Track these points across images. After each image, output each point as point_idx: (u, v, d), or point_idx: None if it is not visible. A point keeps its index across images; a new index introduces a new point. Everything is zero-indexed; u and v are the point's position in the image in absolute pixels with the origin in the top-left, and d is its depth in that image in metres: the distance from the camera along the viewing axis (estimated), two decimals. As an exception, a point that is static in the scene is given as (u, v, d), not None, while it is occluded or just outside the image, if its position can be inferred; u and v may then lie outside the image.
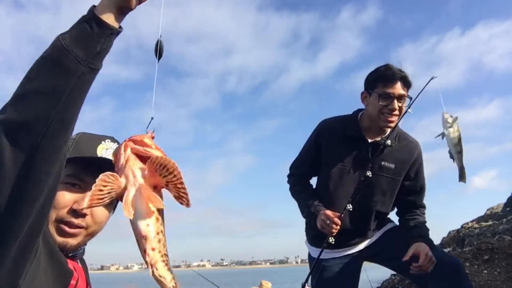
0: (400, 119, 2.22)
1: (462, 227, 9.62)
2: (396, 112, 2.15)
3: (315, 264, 2.24)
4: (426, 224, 2.28)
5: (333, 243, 2.10)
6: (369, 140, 2.24)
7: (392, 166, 2.21)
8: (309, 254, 2.42)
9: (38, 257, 0.91)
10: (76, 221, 1.06)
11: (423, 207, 2.35)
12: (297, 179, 2.42)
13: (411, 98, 2.18)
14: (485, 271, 5.59)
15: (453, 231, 9.51)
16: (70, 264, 1.06)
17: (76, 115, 0.83)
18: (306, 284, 2.23)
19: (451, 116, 2.07)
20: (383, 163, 2.21)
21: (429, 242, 2.17)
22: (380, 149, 2.19)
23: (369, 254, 2.31)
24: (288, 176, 2.46)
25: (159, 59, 0.96)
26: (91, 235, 1.13)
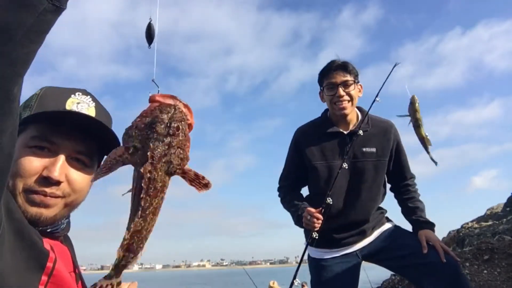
0: (370, 108, 2.32)
1: (462, 227, 9.61)
2: (346, 98, 2.24)
3: (299, 263, 2.28)
4: (420, 198, 2.41)
5: (316, 237, 2.15)
6: (345, 132, 2.30)
7: (374, 149, 2.27)
8: (309, 255, 2.44)
9: (1, 236, 0.77)
10: (49, 190, 0.90)
11: (413, 177, 2.45)
12: (286, 190, 2.46)
13: (354, 81, 2.27)
14: (485, 271, 5.59)
15: (453, 231, 9.50)
16: (47, 243, 0.89)
17: (30, 60, 0.68)
18: (306, 284, 2.24)
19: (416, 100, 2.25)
20: (364, 149, 2.27)
21: (433, 227, 2.27)
22: (355, 138, 2.26)
23: (368, 253, 2.32)
24: (278, 189, 2.50)
25: (150, 43, 0.93)
26: (70, 205, 0.96)
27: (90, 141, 0.96)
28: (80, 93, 1.01)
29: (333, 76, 2.25)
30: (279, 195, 2.48)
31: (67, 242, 1.04)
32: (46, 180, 0.89)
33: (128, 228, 0.84)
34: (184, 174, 0.86)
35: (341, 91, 2.22)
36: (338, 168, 2.20)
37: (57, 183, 0.90)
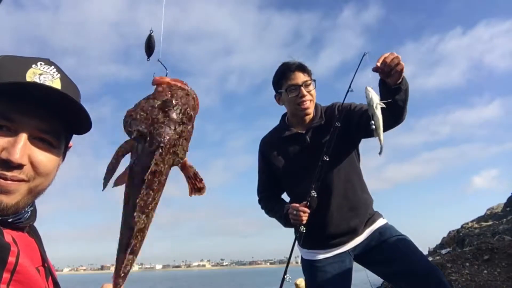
0: (344, 99, 2.30)
1: (462, 227, 9.62)
2: (308, 97, 2.27)
3: (289, 259, 2.29)
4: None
5: (304, 231, 2.15)
6: (303, 132, 2.33)
7: (330, 135, 2.25)
8: (301, 257, 2.45)
9: None
10: (10, 174, 0.79)
11: None
12: (266, 201, 2.48)
13: (314, 80, 2.30)
14: (485, 271, 5.59)
15: (453, 231, 9.51)
16: (9, 235, 0.79)
17: None
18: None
19: (371, 89, 1.98)
20: (323, 140, 2.26)
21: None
22: (311, 134, 2.30)
23: (360, 253, 2.31)
24: (258, 202, 2.52)
25: (149, 56, 0.90)
26: (35, 191, 0.85)
27: (56, 118, 0.85)
28: (43, 63, 0.87)
29: (293, 77, 2.26)
30: (262, 208, 2.51)
31: (34, 233, 0.94)
32: (6, 163, 0.78)
33: (128, 227, 0.75)
34: (184, 169, 0.81)
35: (304, 91, 2.25)
36: (319, 165, 2.19)
37: (19, 166, 0.79)
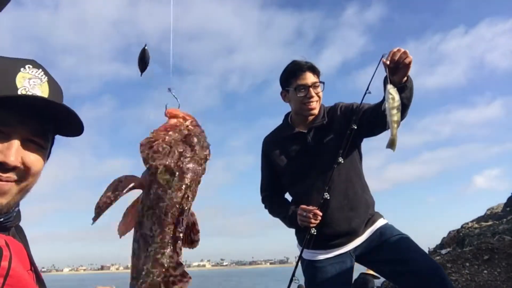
0: (363, 100, 2.28)
1: (462, 227, 9.61)
2: (315, 98, 2.29)
3: (297, 261, 2.28)
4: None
5: (314, 233, 2.14)
6: (305, 131, 2.35)
7: (332, 135, 2.28)
8: (302, 257, 2.44)
9: None
10: (4, 175, 0.83)
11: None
12: (269, 199, 2.49)
13: (323, 83, 2.32)
14: (485, 271, 5.59)
15: (453, 231, 9.51)
16: (1, 239, 0.81)
17: None
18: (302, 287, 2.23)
19: (393, 87, 2.01)
20: (324, 140, 2.29)
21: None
22: (313, 133, 2.31)
23: (360, 253, 2.30)
24: (262, 201, 2.53)
25: (143, 71, 0.89)
26: (24, 190, 0.89)
27: (46, 122, 0.89)
28: (31, 66, 0.89)
29: (304, 77, 2.27)
30: (265, 207, 2.51)
31: (20, 233, 0.96)
32: (1, 166, 0.82)
33: (160, 264, 0.71)
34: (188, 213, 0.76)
35: (312, 92, 2.26)
36: (333, 167, 2.18)
37: (13, 168, 0.83)
